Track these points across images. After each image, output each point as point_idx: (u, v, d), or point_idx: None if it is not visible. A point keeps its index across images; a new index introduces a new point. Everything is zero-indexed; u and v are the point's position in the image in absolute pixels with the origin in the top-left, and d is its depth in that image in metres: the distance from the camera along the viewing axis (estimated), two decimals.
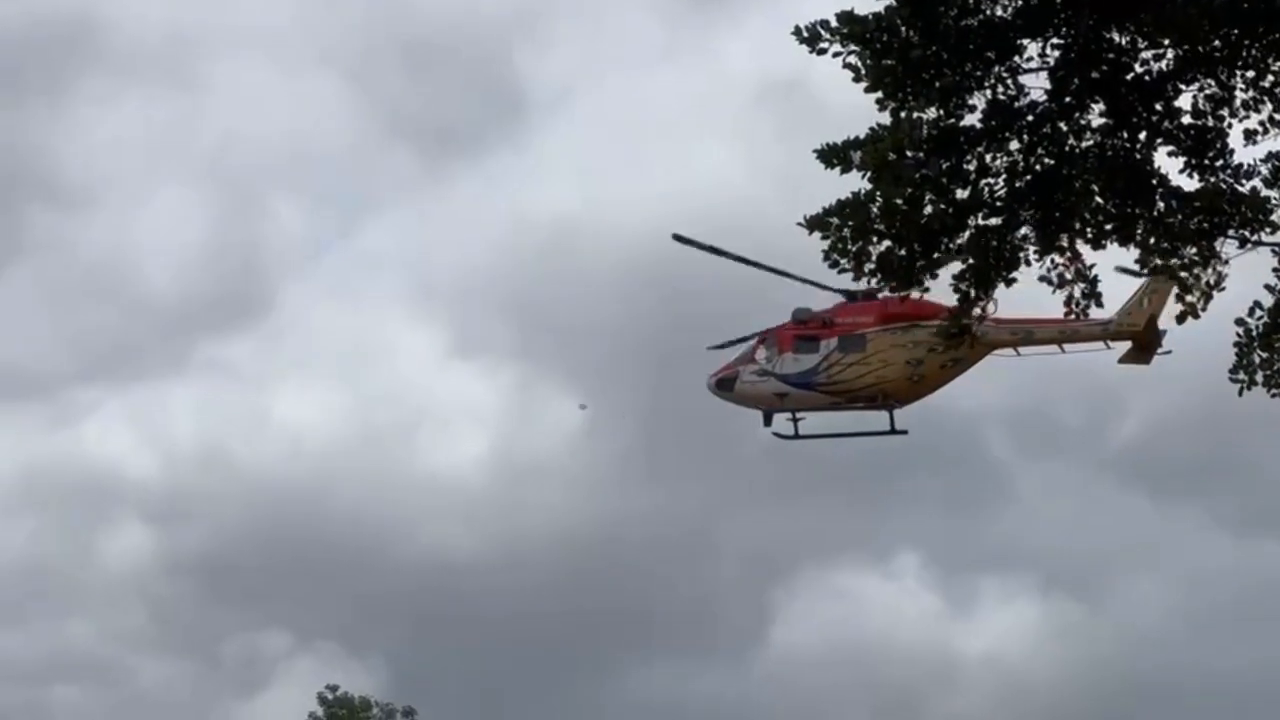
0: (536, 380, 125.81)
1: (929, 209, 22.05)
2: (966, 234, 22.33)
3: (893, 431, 53.24)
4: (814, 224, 22.07)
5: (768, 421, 53.46)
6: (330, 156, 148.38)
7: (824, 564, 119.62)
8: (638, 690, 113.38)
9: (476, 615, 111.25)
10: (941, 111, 21.82)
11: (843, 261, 22.19)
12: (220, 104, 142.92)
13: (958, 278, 22.54)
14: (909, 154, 21.82)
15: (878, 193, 21.92)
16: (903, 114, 21.71)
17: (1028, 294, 23.17)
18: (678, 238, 52.73)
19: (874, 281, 22.76)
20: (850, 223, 21.99)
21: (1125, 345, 50.99)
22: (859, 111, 22.24)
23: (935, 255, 22.26)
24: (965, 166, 22.07)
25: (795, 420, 53.47)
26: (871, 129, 21.96)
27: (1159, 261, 22.56)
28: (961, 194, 22.14)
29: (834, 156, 21.93)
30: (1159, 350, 50.66)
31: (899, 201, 21.96)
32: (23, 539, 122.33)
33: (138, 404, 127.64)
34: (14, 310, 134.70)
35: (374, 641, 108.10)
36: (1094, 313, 22.81)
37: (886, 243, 22.18)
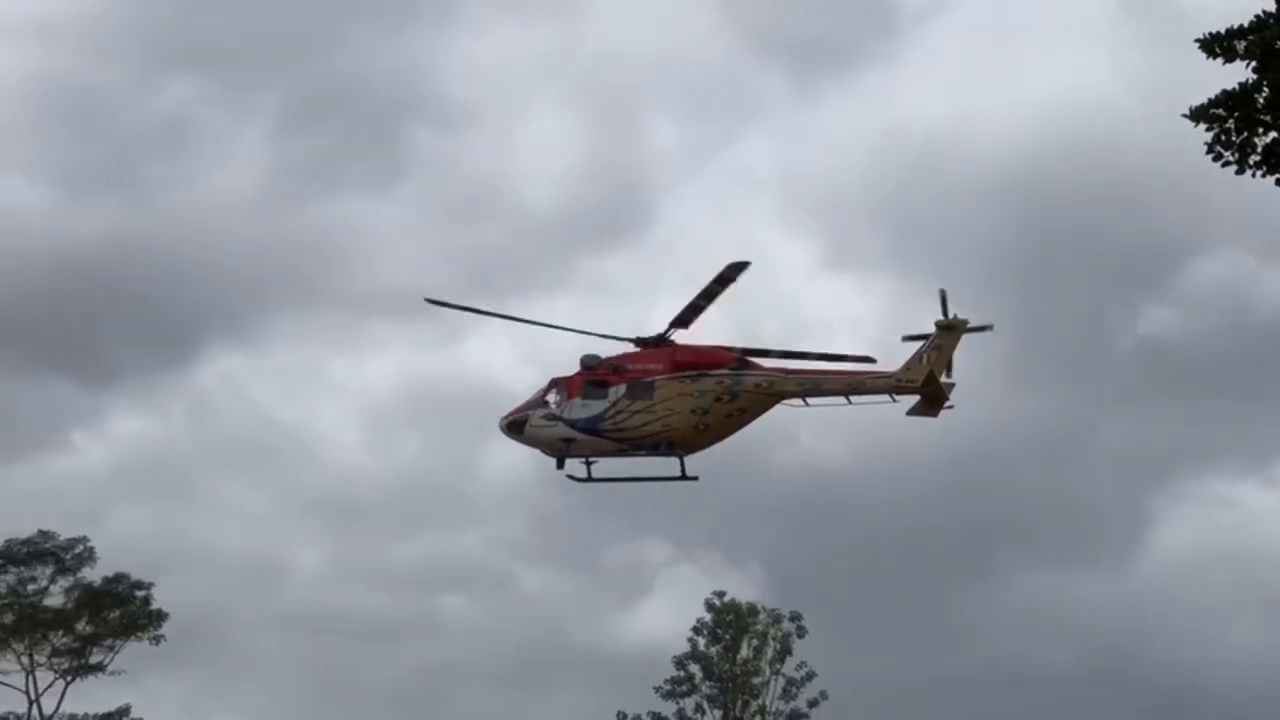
0: (909, 290, 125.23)
1: None
2: None
3: (683, 477, 52.91)
4: (1198, 115, 21.72)
5: (560, 464, 53.30)
6: (704, 74, 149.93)
7: (1204, 470, 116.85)
8: (1017, 595, 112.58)
9: (854, 523, 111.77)
10: None
11: (1226, 154, 21.81)
12: (597, 24, 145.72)
13: None
14: None
15: (1264, 82, 21.43)
16: None
17: None
18: (430, 300, 53.42)
19: (1260, 174, 22.22)
20: (1236, 113, 21.57)
21: (912, 398, 51.09)
22: (1220, 11, 21.73)
23: None
24: None
25: (589, 463, 53.27)
26: (1257, 16, 21.43)
27: None
28: None
29: (1216, 46, 21.49)
30: (946, 405, 51.09)
31: None
32: (412, 453, 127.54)
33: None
34: (401, 230, 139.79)
35: (753, 550, 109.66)
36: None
37: (1274, 134, 21.71)
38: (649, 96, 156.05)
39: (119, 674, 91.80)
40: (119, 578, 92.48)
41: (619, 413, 52.07)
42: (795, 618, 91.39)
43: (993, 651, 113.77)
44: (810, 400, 51.88)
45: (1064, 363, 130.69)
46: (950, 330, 50.43)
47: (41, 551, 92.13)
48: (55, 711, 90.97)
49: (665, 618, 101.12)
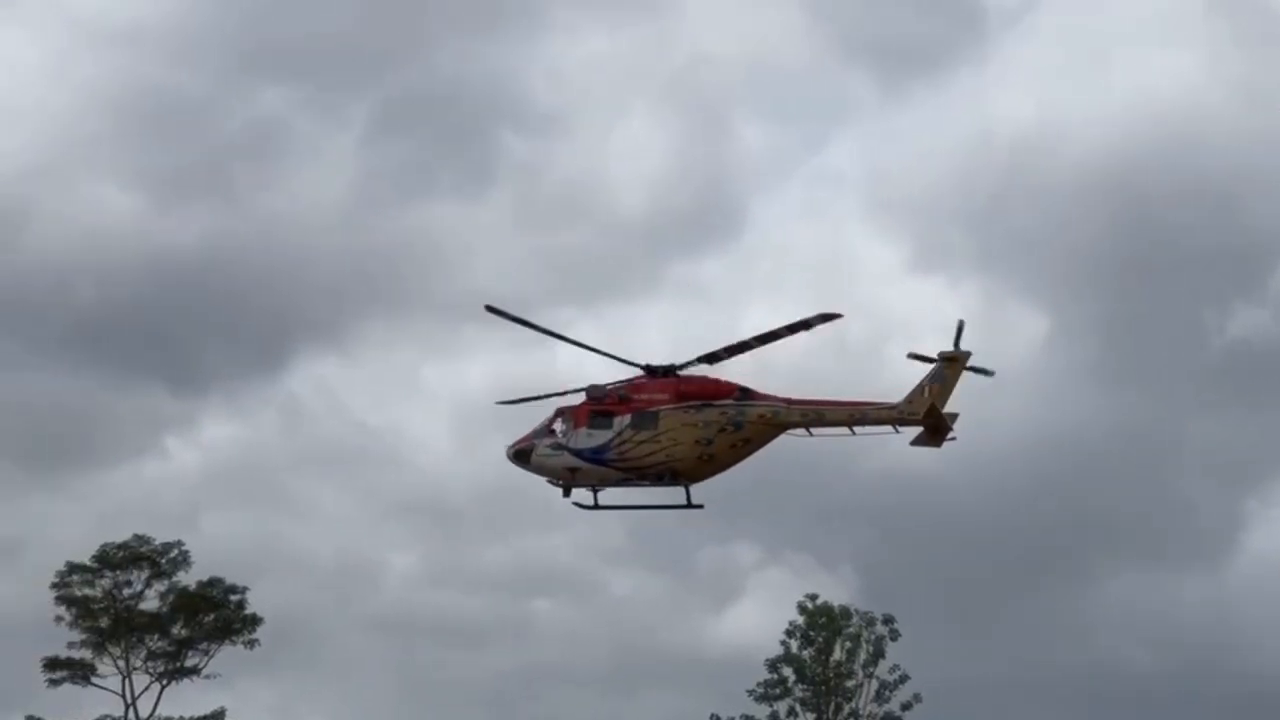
0: (999, 292, 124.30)
1: None
2: None
3: (689, 505, 53.40)
4: None
5: (567, 492, 54.10)
6: (793, 76, 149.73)
7: None
8: (1110, 598, 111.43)
9: (946, 525, 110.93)
10: None
11: None
12: (686, 28, 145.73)
13: None
14: None
15: None
16: None
17: None
18: (489, 309, 52.90)
19: None
20: None
21: (915, 429, 51.53)
22: None
23: None
24: None
25: (595, 491, 53.90)
26: None
27: None
28: None
29: None
30: (949, 436, 51.48)
31: None
32: (503, 457, 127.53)
33: (612, 323, 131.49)
34: (490, 233, 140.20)
35: (845, 552, 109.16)
36: None
37: None
38: (738, 100, 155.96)
39: (214, 677, 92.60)
40: (214, 582, 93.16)
41: (624, 443, 52.75)
42: (888, 620, 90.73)
43: (1086, 654, 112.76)
44: (814, 431, 52.41)
45: (1155, 364, 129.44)
46: (953, 362, 50.91)
47: (137, 556, 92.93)
48: (151, 714, 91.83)
49: (757, 620, 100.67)
